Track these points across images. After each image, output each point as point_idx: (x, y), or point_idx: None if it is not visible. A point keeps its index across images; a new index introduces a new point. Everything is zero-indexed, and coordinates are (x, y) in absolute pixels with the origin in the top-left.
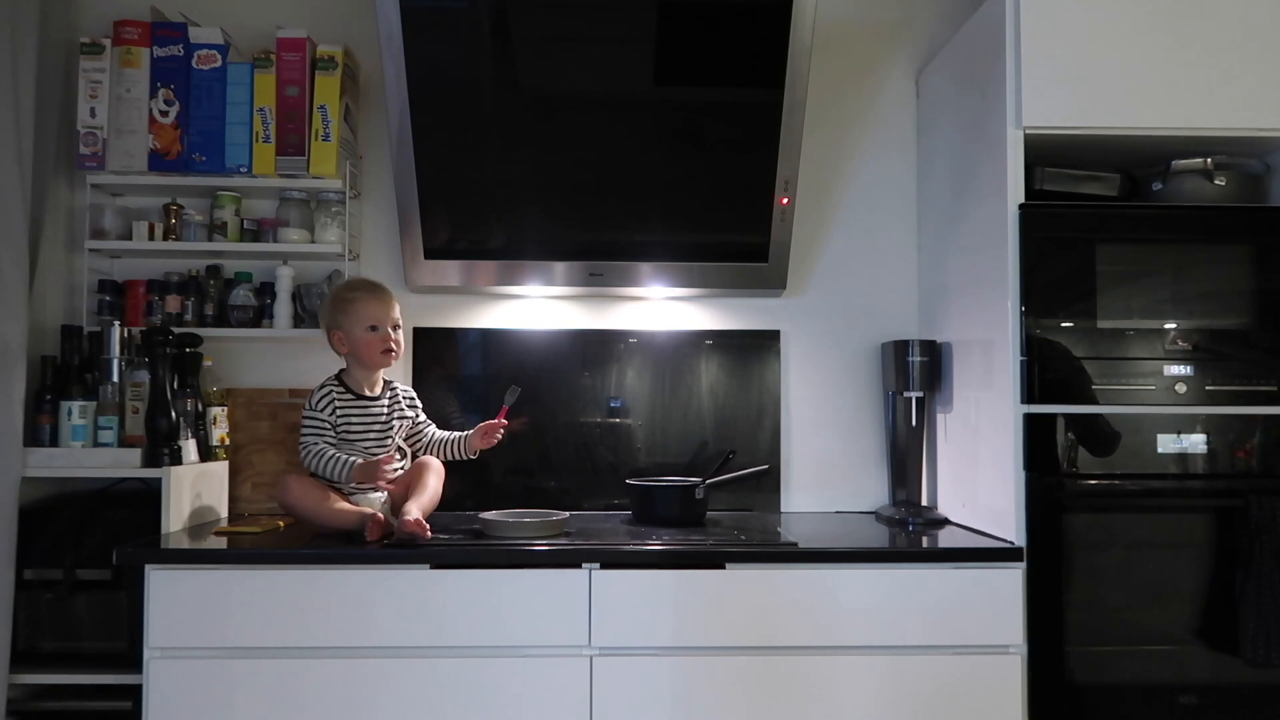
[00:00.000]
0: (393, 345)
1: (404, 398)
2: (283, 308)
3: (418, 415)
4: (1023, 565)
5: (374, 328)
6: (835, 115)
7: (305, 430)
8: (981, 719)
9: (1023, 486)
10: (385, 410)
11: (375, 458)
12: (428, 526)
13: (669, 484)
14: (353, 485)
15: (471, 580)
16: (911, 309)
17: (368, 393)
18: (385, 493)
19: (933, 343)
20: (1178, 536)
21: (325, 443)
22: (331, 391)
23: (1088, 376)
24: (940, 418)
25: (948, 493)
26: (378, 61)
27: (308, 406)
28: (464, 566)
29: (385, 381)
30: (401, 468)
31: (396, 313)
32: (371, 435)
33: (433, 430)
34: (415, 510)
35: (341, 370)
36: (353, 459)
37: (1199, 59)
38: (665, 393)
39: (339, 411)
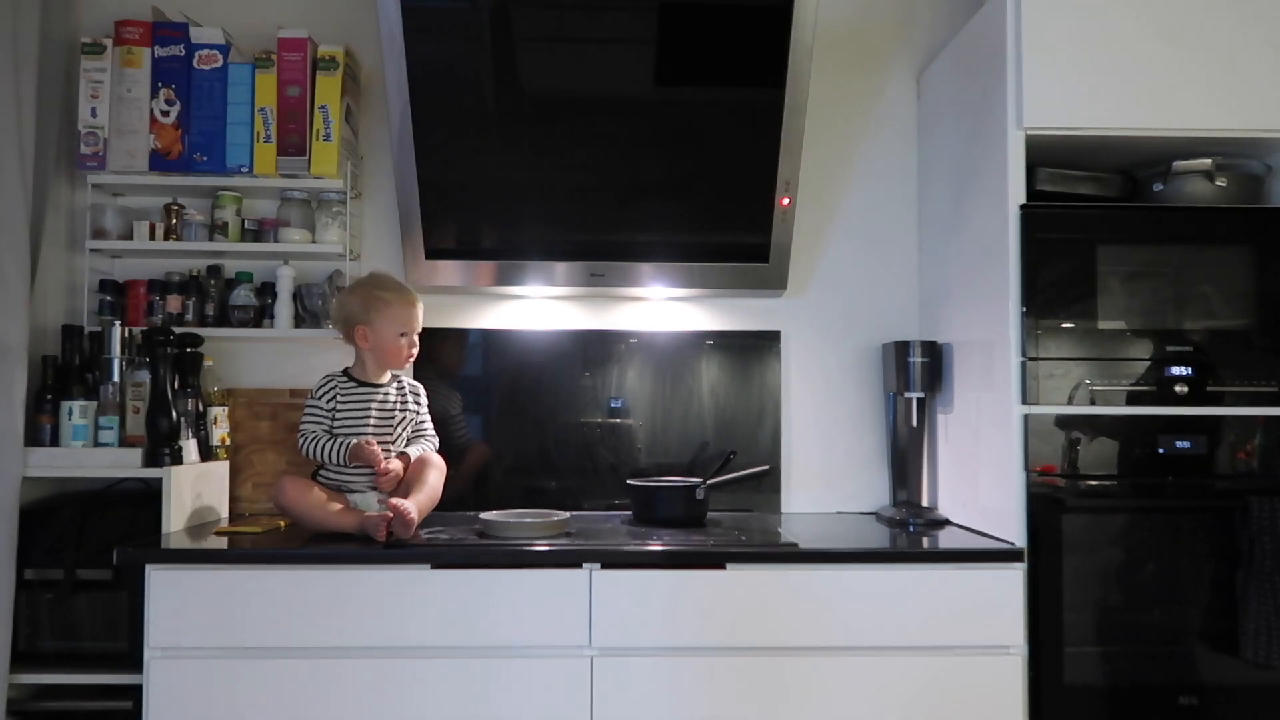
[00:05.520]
0: (413, 352)
1: (410, 392)
2: (283, 308)
3: (420, 412)
4: (1023, 566)
5: (404, 334)
6: (836, 116)
7: (305, 419)
8: None
9: (1023, 487)
10: (390, 398)
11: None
12: (413, 515)
13: (670, 484)
14: (353, 467)
15: (472, 580)
16: (912, 309)
17: (373, 381)
18: (384, 493)
19: (933, 343)
20: (1178, 537)
21: (322, 430)
22: (334, 382)
23: (1088, 377)
24: (941, 418)
25: (948, 493)
26: (379, 61)
27: (310, 397)
28: (464, 566)
29: (393, 374)
30: (389, 456)
31: (420, 319)
32: (370, 423)
33: (423, 440)
34: (410, 501)
35: (348, 366)
36: (349, 440)
37: (1199, 59)
38: (666, 393)
39: (340, 402)
